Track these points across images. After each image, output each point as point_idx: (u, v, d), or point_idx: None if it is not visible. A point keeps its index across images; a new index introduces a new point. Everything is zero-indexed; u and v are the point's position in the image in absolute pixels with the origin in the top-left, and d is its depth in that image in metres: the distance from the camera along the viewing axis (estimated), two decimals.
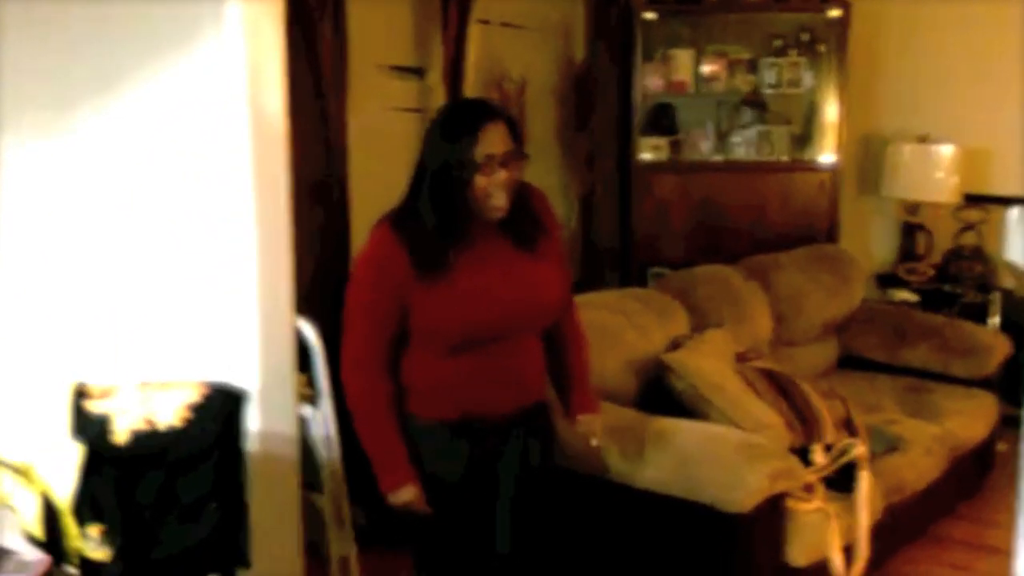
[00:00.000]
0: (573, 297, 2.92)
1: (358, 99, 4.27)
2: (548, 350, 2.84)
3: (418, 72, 4.72)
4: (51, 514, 2.57)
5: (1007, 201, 5.46)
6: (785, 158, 5.62)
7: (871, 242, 5.89)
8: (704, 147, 5.70)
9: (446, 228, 2.54)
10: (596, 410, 2.95)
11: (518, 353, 2.69)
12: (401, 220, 2.58)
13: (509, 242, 2.63)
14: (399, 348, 2.65)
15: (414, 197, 2.58)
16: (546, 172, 5.44)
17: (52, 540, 2.55)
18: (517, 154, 2.54)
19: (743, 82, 5.60)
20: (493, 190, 2.51)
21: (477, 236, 2.59)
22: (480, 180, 2.50)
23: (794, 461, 3.45)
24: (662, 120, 5.71)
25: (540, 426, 2.84)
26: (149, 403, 2.70)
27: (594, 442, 2.94)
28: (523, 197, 2.65)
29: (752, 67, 5.60)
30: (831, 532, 3.45)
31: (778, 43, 5.60)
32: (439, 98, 4.63)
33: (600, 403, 3.02)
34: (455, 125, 2.54)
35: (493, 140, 2.49)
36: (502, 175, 2.50)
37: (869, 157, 5.80)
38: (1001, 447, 4.78)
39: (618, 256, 5.78)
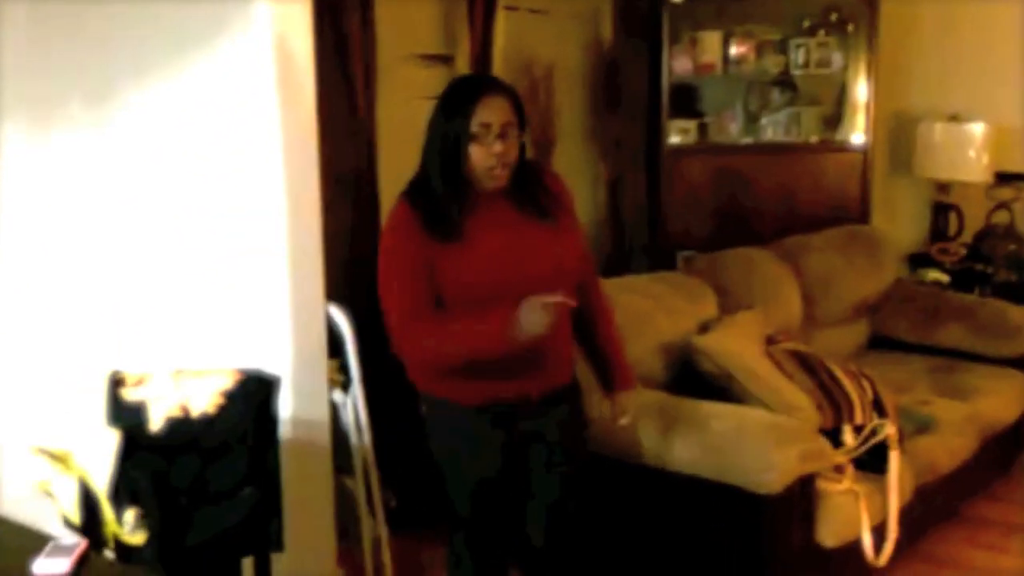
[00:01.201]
0: (597, 275, 2.94)
1: (387, 88, 4.29)
2: (578, 330, 2.84)
3: (446, 60, 4.73)
4: (89, 500, 2.61)
5: None
6: (815, 139, 5.59)
7: (902, 222, 5.85)
8: (733, 129, 5.67)
9: (453, 196, 2.58)
10: (632, 386, 2.96)
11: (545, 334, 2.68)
12: (414, 191, 2.64)
13: (523, 211, 2.66)
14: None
15: (423, 168, 2.64)
16: (575, 157, 5.44)
17: (90, 525, 2.59)
18: (514, 126, 2.57)
19: (772, 63, 5.57)
20: (489, 160, 2.54)
21: (489, 204, 2.62)
22: (476, 150, 2.54)
23: (824, 442, 3.46)
24: (691, 103, 5.70)
25: (574, 406, 2.85)
26: (183, 390, 2.74)
27: (624, 420, 2.94)
28: (535, 173, 2.72)
29: (781, 48, 5.55)
30: (861, 513, 3.45)
31: (807, 23, 5.55)
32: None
33: (636, 379, 3.02)
34: (454, 97, 2.59)
35: (489, 111, 2.53)
36: (498, 146, 2.54)
37: (900, 137, 5.76)
38: None
39: (647, 240, 5.77)
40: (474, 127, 2.53)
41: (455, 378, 2.69)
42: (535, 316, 2.46)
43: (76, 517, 2.60)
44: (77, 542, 2.27)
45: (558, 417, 2.80)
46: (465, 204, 2.60)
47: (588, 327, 2.88)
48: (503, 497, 2.77)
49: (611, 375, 2.93)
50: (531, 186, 2.69)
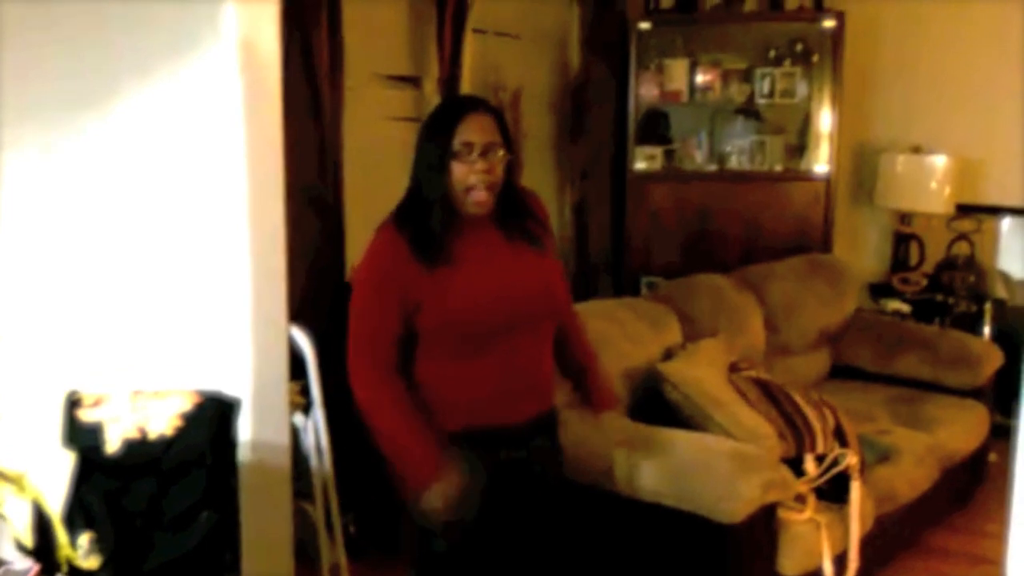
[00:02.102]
0: (572, 304, 2.92)
1: (354, 108, 4.28)
2: (557, 352, 2.82)
3: (414, 81, 4.73)
4: (42, 523, 2.56)
5: (999, 211, 5.48)
6: (779, 168, 5.63)
7: (864, 252, 5.90)
8: (698, 157, 5.71)
9: (441, 218, 2.54)
10: (613, 405, 2.98)
11: (529, 356, 2.66)
12: (402, 217, 2.60)
13: (511, 237, 2.64)
14: (408, 361, 2.62)
15: (411, 193, 2.60)
16: (541, 181, 5.45)
17: (43, 549, 2.55)
18: (498, 146, 2.54)
19: (737, 92, 5.62)
20: (471, 178, 2.50)
21: (476, 230, 2.59)
22: (457, 168, 2.50)
23: (786, 471, 3.46)
24: (657, 129, 5.72)
25: (553, 435, 2.83)
26: (141, 412, 2.70)
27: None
28: (521, 197, 2.70)
29: (746, 77, 5.61)
30: (823, 542, 3.46)
31: (772, 53, 5.61)
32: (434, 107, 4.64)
33: (617, 397, 3.03)
34: (437, 117, 2.59)
35: (471, 129, 2.50)
36: (480, 164, 2.50)
37: (862, 167, 5.82)
38: (993, 457, 4.78)
39: (612, 265, 5.79)
40: (456, 145, 2.50)
41: (437, 404, 2.63)
42: (437, 502, 2.51)
43: (29, 540, 2.55)
44: (30, 567, 2.23)
45: (539, 446, 2.76)
46: (452, 229, 2.56)
47: (566, 348, 2.85)
48: (479, 526, 2.71)
49: (597, 395, 2.91)
50: (518, 211, 2.67)
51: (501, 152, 2.54)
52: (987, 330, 5.36)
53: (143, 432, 2.69)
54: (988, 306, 5.41)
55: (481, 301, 2.56)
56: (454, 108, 2.59)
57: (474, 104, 2.59)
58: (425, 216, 2.55)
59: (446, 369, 2.62)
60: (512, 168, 2.64)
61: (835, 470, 3.64)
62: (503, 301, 2.57)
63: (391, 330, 2.56)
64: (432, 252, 2.53)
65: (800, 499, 3.49)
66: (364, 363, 2.58)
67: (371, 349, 2.58)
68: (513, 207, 2.65)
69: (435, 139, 2.53)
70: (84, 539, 2.56)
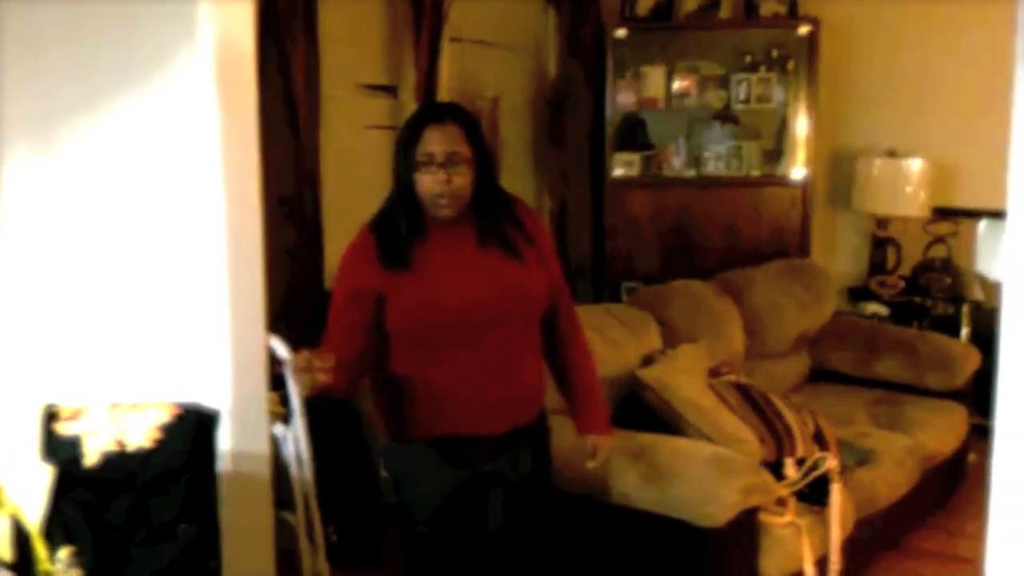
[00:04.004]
0: (576, 313, 2.90)
1: (330, 117, 4.28)
2: (554, 368, 2.84)
3: (391, 90, 4.73)
4: (21, 537, 2.54)
5: (976, 214, 5.50)
6: (756, 173, 5.66)
7: (842, 256, 5.93)
8: (676, 163, 5.73)
9: (407, 224, 2.60)
10: (603, 431, 2.91)
11: (503, 366, 2.66)
12: (377, 219, 2.67)
13: (482, 241, 2.65)
14: (377, 367, 2.65)
15: (390, 196, 2.65)
16: (520, 188, 5.45)
17: (22, 563, 2.52)
18: (461, 156, 2.55)
19: (714, 98, 5.64)
20: (434, 188, 2.54)
21: (447, 234, 2.62)
22: (420, 179, 2.55)
23: (767, 475, 3.47)
24: (635, 136, 5.74)
25: (538, 446, 2.82)
26: (120, 424, 2.68)
27: (590, 464, 2.89)
28: (506, 204, 2.72)
29: (723, 83, 5.63)
30: (804, 546, 3.47)
31: (748, 59, 5.63)
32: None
33: (610, 424, 2.95)
34: (406, 125, 2.63)
35: (434, 140, 2.54)
36: (441, 175, 2.53)
37: (839, 172, 5.85)
38: (972, 458, 4.81)
39: (591, 271, 5.79)
40: (418, 155, 2.54)
41: (409, 410, 2.66)
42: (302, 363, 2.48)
43: (8, 555, 2.53)
44: None
45: (521, 459, 2.75)
46: (420, 233, 2.61)
47: (562, 365, 2.86)
48: (456, 529, 2.73)
49: (584, 416, 2.88)
50: (497, 217, 2.67)
51: (464, 162, 2.56)
52: (965, 332, 5.39)
53: (122, 445, 2.67)
54: (965, 308, 5.44)
55: (433, 305, 2.58)
56: (419, 118, 2.62)
57: (440, 114, 2.61)
58: (395, 220, 2.61)
59: (415, 373, 2.64)
60: (489, 175, 2.65)
61: (815, 474, 3.66)
62: (458, 305, 2.59)
63: (348, 318, 2.63)
64: (391, 256, 2.59)
65: (781, 503, 3.50)
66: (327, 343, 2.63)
67: (332, 335, 2.65)
68: (490, 212, 2.66)
69: (402, 150, 2.59)
70: (63, 553, 2.54)
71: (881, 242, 5.76)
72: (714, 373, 3.99)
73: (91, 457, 2.65)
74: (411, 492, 2.71)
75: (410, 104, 4.70)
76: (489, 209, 2.66)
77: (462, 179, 2.57)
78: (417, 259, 2.60)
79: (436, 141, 2.54)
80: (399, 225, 2.60)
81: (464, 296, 2.59)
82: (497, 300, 2.62)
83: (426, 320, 2.59)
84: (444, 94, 4.81)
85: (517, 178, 5.45)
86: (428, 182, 2.55)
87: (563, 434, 2.92)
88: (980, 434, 4.69)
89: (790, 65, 5.56)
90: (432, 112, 2.68)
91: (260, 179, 3.08)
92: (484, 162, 2.62)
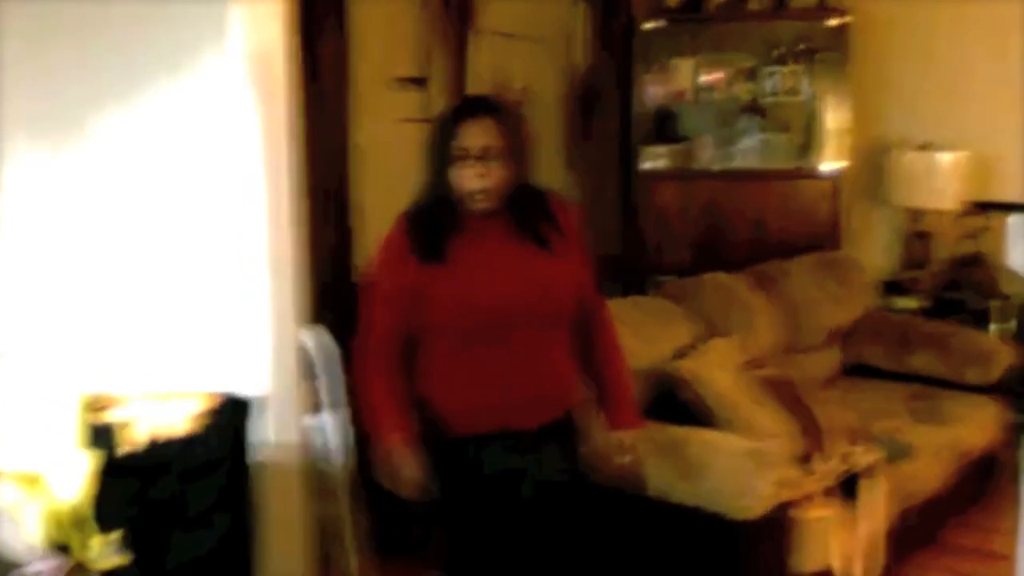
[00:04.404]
0: (606, 307, 2.89)
1: (361, 111, 4.27)
2: (584, 363, 2.82)
3: (421, 83, 4.73)
4: (60, 525, 2.56)
5: (1010, 207, 5.46)
6: (787, 166, 5.62)
7: (875, 250, 5.88)
8: (706, 156, 5.70)
9: (441, 217, 2.60)
10: (633, 425, 2.88)
11: (534, 361, 2.66)
12: (412, 211, 2.66)
13: (516, 235, 2.65)
14: (413, 357, 2.66)
15: (424, 188, 2.65)
16: (549, 181, 5.40)
17: (61, 550, 2.54)
18: (497, 150, 2.55)
19: (743, 91, 5.61)
20: (470, 183, 2.55)
21: (481, 227, 2.62)
22: (455, 173, 2.55)
23: (800, 469, 3.46)
24: (665, 129, 5.72)
25: (566, 440, 2.80)
26: (158, 413, 2.70)
27: (622, 460, 2.86)
28: (539, 197, 2.71)
29: (752, 76, 5.60)
30: (836, 540, 3.45)
31: (778, 52, 5.60)
32: (442, 108, 4.63)
33: (640, 418, 2.94)
34: (443, 118, 2.64)
35: (470, 134, 2.54)
36: (477, 169, 2.54)
37: (872, 165, 5.80)
38: (1006, 453, 4.77)
39: (621, 265, 5.77)
40: (453, 150, 2.54)
41: (442, 405, 2.66)
42: (389, 472, 2.62)
43: (47, 542, 2.54)
44: (48, 568, 2.22)
45: (549, 454, 2.74)
46: (455, 226, 2.61)
47: (592, 359, 2.83)
48: (491, 521, 2.72)
49: (614, 411, 2.86)
50: (530, 211, 2.67)
51: (499, 156, 2.56)
52: (994, 327, 5.33)
53: (160, 434, 2.69)
54: (997, 303, 5.39)
55: (468, 300, 2.58)
56: (456, 113, 2.63)
57: (475, 108, 2.61)
58: (429, 213, 2.61)
59: (448, 368, 2.65)
60: (523, 167, 2.65)
61: (848, 468, 3.64)
62: (492, 299, 2.59)
63: (390, 319, 2.65)
64: (426, 250, 2.59)
65: (814, 497, 3.48)
66: (363, 347, 2.69)
67: (370, 335, 2.67)
68: (524, 206, 2.65)
69: (437, 144, 2.59)
70: (102, 541, 2.56)
71: (914, 236, 5.71)
72: (746, 367, 3.97)
73: (130, 445, 2.67)
74: (440, 486, 2.69)
75: (440, 97, 4.70)
76: (523, 202, 2.65)
77: (497, 173, 2.56)
78: (452, 253, 2.60)
79: (471, 136, 2.54)
80: (433, 219, 2.60)
81: (498, 293, 2.59)
82: (530, 296, 2.62)
83: (459, 316, 2.59)
84: (474, 87, 4.81)
85: (546, 171, 5.42)
86: (463, 177, 2.55)
87: (596, 427, 2.92)
88: (1016, 430, 4.66)
89: (820, 57, 5.52)
90: (467, 106, 2.68)
91: (296, 170, 3.09)
92: (519, 154, 2.62)
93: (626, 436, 2.87)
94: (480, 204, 2.58)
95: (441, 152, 2.56)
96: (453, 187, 2.57)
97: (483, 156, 2.54)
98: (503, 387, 2.63)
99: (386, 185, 3.51)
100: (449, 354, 2.64)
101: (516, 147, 2.60)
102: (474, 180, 2.54)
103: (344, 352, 3.23)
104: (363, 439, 2.74)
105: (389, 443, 2.62)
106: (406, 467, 2.63)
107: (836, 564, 3.47)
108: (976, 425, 4.45)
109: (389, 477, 2.65)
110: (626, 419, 2.87)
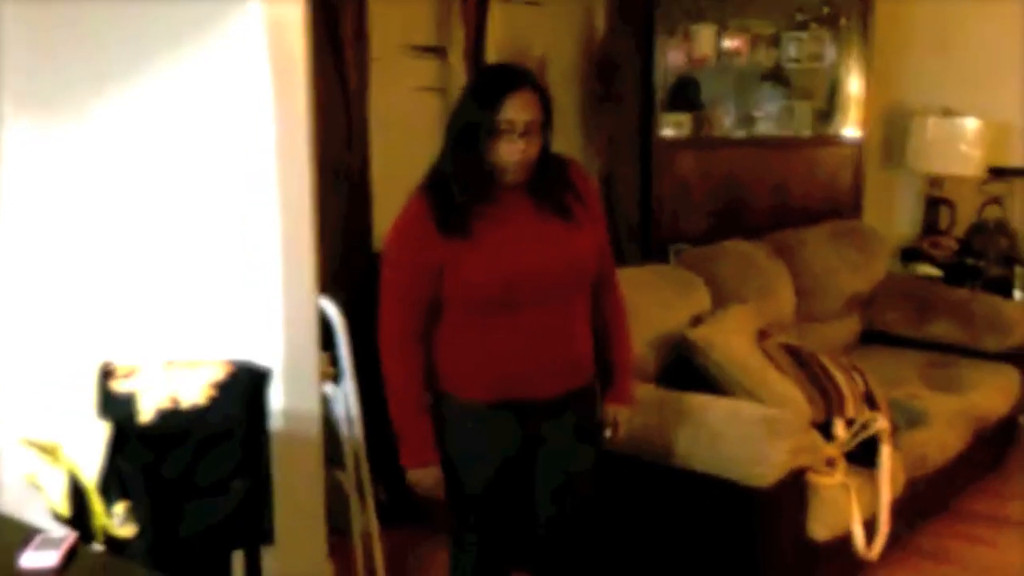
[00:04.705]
0: (616, 276, 2.89)
1: (379, 80, 4.27)
2: (593, 331, 2.82)
3: (439, 52, 4.72)
4: (78, 492, 2.59)
5: None
6: (808, 133, 5.59)
7: (895, 216, 5.86)
8: (726, 123, 5.67)
9: (466, 187, 2.56)
10: (625, 402, 2.90)
11: (558, 330, 2.66)
12: (430, 182, 2.62)
13: (539, 206, 2.64)
14: (433, 325, 2.66)
15: (441, 159, 2.62)
16: (568, 149, 5.40)
17: (79, 518, 2.58)
18: (538, 123, 2.55)
19: (765, 57, 5.56)
20: (509, 156, 2.52)
21: (506, 198, 2.61)
22: (498, 145, 2.52)
23: (816, 436, 3.46)
24: (685, 96, 5.68)
25: (586, 411, 2.82)
26: (174, 382, 2.73)
27: (608, 434, 2.88)
28: (560, 167, 2.70)
29: (774, 42, 5.55)
30: (853, 506, 3.46)
31: (800, 17, 5.55)
32: (460, 77, 4.63)
33: (633, 396, 2.94)
34: (484, 88, 2.57)
35: (516, 107, 2.50)
36: (520, 144, 2.51)
37: (893, 131, 5.77)
38: None
39: (640, 232, 5.76)
40: (500, 123, 2.50)
41: (461, 370, 2.67)
42: (425, 487, 2.68)
43: (65, 510, 2.58)
44: (66, 535, 2.26)
45: (570, 422, 2.76)
46: (481, 196, 2.58)
47: (599, 329, 2.83)
48: (506, 488, 2.75)
49: (612, 384, 2.87)
50: (553, 182, 2.66)
51: (538, 130, 2.55)
52: (1019, 294, 5.31)
53: (176, 402, 2.71)
54: (1020, 270, 5.36)
55: (496, 271, 2.57)
56: (501, 82, 2.54)
57: (521, 80, 2.56)
58: (450, 184, 2.57)
59: (469, 335, 2.64)
60: (550, 140, 2.64)
61: (865, 434, 3.64)
62: (520, 273, 2.58)
63: (416, 296, 2.61)
64: (451, 224, 2.56)
65: (830, 463, 3.49)
66: (390, 330, 2.66)
67: (396, 315, 2.65)
68: (547, 178, 2.65)
69: (479, 112, 2.52)
70: (119, 508, 2.59)
71: (935, 202, 5.68)
72: (763, 334, 3.96)
73: (146, 414, 2.70)
74: (459, 452, 2.72)
75: (458, 65, 4.69)
76: (547, 172, 2.64)
77: (535, 148, 2.56)
78: (476, 226, 2.57)
79: (518, 109, 2.50)
80: (458, 191, 2.56)
81: (523, 266, 2.59)
82: (554, 268, 2.61)
83: (486, 289, 2.58)
84: (492, 54, 4.79)
85: (565, 139, 5.41)
86: (506, 151, 2.52)
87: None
88: None
89: (843, 22, 5.47)
90: (508, 77, 2.58)
91: (311, 140, 3.10)
92: (549, 126, 2.61)
93: (619, 412, 2.89)
94: (513, 177, 2.57)
95: (481, 124, 2.51)
96: (490, 159, 2.53)
97: (526, 131, 2.52)
98: (527, 357, 2.64)
99: (403, 154, 3.51)
100: (472, 325, 2.63)
101: (549, 119, 2.60)
102: (516, 154, 2.52)
103: (359, 322, 3.25)
104: (372, 409, 2.76)
105: (410, 462, 2.68)
106: (432, 481, 2.69)
107: (854, 530, 3.47)
108: (993, 392, 4.43)
109: (416, 488, 2.70)
110: (621, 396, 2.89)
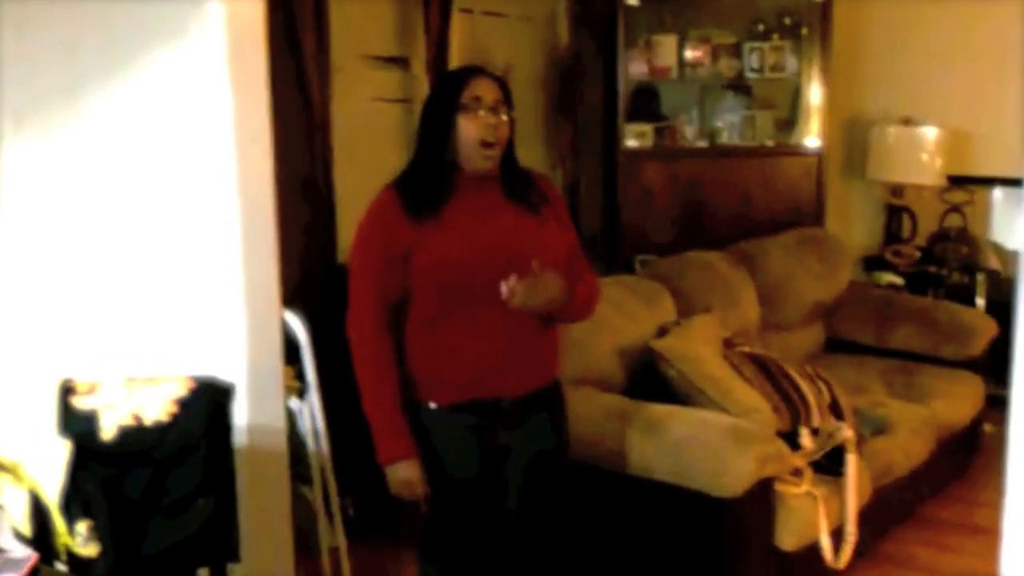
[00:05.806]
0: (591, 270, 2.89)
1: (341, 90, 4.26)
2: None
3: (402, 62, 4.71)
4: (39, 511, 2.56)
5: (991, 182, 5.48)
6: (770, 142, 5.62)
7: (856, 225, 5.90)
8: (689, 133, 5.69)
9: (437, 175, 2.60)
10: (560, 285, 2.61)
11: (524, 326, 2.64)
12: (400, 179, 2.67)
13: (509, 199, 2.67)
14: (402, 325, 2.64)
15: (414, 158, 2.67)
16: (531, 160, 5.39)
17: (41, 537, 2.54)
18: (504, 105, 2.61)
19: (727, 67, 5.58)
20: (482, 132, 2.56)
21: (475, 188, 2.63)
22: (466, 122, 2.56)
23: (782, 445, 3.47)
24: (647, 106, 5.70)
25: (554, 411, 2.81)
26: (136, 398, 2.69)
27: (503, 288, 2.55)
28: (528, 176, 2.75)
29: (736, 52, 5.58)
30: (820, 516, 3.47)
31: (761, 27, 5.59)
32: (423, 88, 4.62)
33: (563, 288, 2.62)
34: (448, 77, 2.72)
35: (481, 87, 2.59)
36: (491, 118, 2.56)
37: (853, 140, 5.81)
38: (988, 428, 4.79)
39: (604, 243, 5.77)
40: (465, 99, 2.57)
41: (431, 373, 2.65)
42: (405, 480, 2.61)
43: (27, 529, 2.55)
44: (28, 555, 2.22)
45: (537, 427, 2.75)
46: (450, 186, 2.61)
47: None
48: (478, 495, 2.73)
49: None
50: (522, 179, 2.71)
51: (506, 114, 2.61)
52: (980, 301, 5.36)
53: (138, 419, 2.68)
54: (981, 277, 5.41)
55: (465, 249, 2.58)
56: (463, 71, 2.70)
57: (481, 69, 2.68)
58: (423, 174, 2.62)
59: (437, 335, 2.63)
60: (513, 139, 2.68)
61: (831, 443, 3.65)
62: (490, 257, 2.58)
63: (385, 284, 2.61)
64: (421, 205, 2.58)
65: (797, 473, 3.50)
66: (361, 320, 2.65)
67: (367, 305, 2.64)
68: (515, 173, 2.70)
69: (443, 96, 2.61)
70: (82, 527, 2.56)
71: (896, 211, 5.73)
72: (728, 344, 3.97)
73: (108, 431, 2.67)
74: (428, 460, 2.69)
75: (421, 76, 4.68)
76: (514, 168, 2.70)
77: (506, 129, 2.61)
78: (445, 211, 2.60)
79: (484, 89, 2.59)
80: (427, 180, 2.60)
81: (490, 247, 2.59)
82: (521, 251, 2.60)
83: (452, 271, 2.57)
84: (455, 65, 4.78)
85: (528, 149, 5.41)
86: (475, 126, 2.56)
87: (576, 406, 2.92)
88: (996, 404, 4.68)
89: (803, 32, 5.51)
90: (471, 68, 2.72)
91: (272, 151, 3.08)
92: (513, 123, 2.66)
93: (540, 280, 2.58)
94: (485, 162, 2.60)
95: (450, 102, 2.58)
96: (460, 139, 2.57)
97: (494, 107, 2.58)
98: (492, 350, 2.63)
99: (367, 165, 3.50)
100: (437, 318, 2.62)
101: (512, 115, 2.65)
102: (487, 130, 2.56)
103: (324, 335, 3.23)
104: (338, 423, 2.73)
105: (387, 456, 2.63)
106: (409, 475, 2.63)
107: (822, 539, 3.48)
108: (957, 400, 4.47)
109: (395, 487, 2.65)
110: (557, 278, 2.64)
